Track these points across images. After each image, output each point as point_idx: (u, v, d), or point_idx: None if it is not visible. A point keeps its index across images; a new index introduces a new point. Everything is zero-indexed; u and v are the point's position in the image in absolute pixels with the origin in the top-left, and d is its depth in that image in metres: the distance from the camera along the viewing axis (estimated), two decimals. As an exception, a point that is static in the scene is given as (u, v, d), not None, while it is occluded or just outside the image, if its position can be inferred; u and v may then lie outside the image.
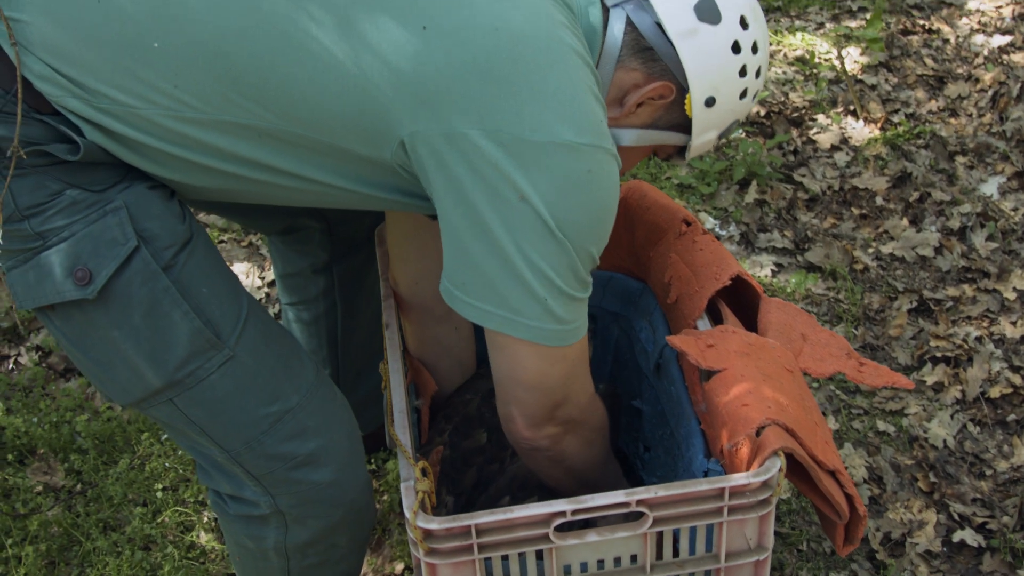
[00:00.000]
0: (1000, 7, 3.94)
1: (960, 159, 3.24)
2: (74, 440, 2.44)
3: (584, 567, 1.44)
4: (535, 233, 1.30)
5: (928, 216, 3.03)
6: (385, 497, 2.28)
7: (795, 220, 3.06)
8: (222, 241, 3.06)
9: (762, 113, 3.44)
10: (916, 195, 3.08)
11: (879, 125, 3.38)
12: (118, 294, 1.38)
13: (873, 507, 2.22)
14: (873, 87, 3.57)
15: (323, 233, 1.98)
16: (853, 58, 3.70)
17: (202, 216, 3.06)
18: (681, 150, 1.56)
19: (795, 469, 1.48)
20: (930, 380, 2.50)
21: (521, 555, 1.40)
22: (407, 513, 1.37)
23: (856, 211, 3.07)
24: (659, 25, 1.44)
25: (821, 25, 3.93)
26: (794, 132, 3.38)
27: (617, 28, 1.45)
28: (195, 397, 1.46)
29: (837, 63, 3.60)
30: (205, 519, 2.25)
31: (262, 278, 2.94)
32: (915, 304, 2.73)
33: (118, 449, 2.42)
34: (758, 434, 1.43)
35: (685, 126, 1.51)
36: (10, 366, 2.71)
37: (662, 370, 1.79)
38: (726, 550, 1.45)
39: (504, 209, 1.29)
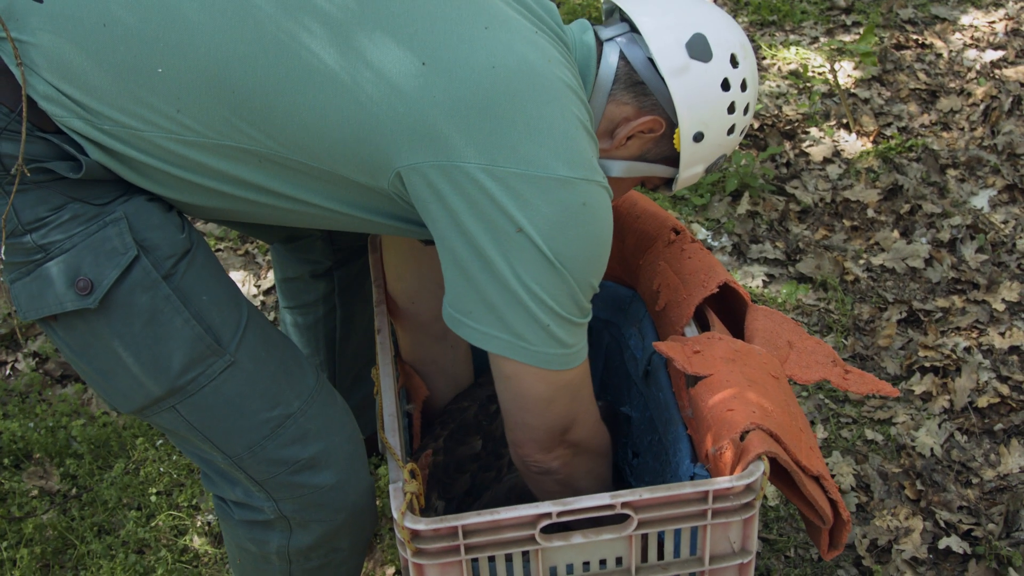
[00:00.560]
0: (993, 23, 3.97)
1: (951, 172, 3.26)
2: (70, 445, 2.46)
3: (570, 569, 1.46)
4: (534, 264, 1.35)
5: (919, 228, 3.05)
6: (377, 502, 2.30)
7: (787, 231, 3.08)
8: (219, 250, 3.09)
9: (755, 126, 3.47)
10: (907, 207, 3.11)
11: (871, 138, 3.41)
12: (119, 303, 1.41)
13: (860, 514, 2.24)
14: (866, 101, 3.60)
15: (324, 241, 2.01)
16: (846, 72, 3.74)
17: (199, 225, 3.09)
18: (668, 182, 1.60)
19: (780, 474, 1.50)
20: (918, 390, 2.52)
21: (508, 556, 1.42)
22: (395, 514, 1.39)
23: (847, 223, 3.10)
24: (651, 60, 1.48)
25: (815, 39, 3.96)
26: (787, 145, 3.41)
27: (610, 62, 1.50)
28: (197, 403, 1.48)
29: (830, 77, 3.63)
30: (198, 523, 2.27)
31: (258, 286, 2.96)
32: (905, 315, 2.75)
33: (113, 454, 2.44)
34: (742, 438, 1.45)
35: (673, 159, 1.55)
36: (7, 372, 2.73)
37: (650, 376, 1.81)
38: (710, 553, 1.47)
39: (503, 241, 1.33)
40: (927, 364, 2.58)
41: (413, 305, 1.81)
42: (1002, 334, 2.67)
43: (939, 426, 2.43)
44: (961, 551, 2.14)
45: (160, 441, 2.46)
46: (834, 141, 3.41)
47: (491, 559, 1.42)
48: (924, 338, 2.67)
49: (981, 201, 3.15)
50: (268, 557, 1.65)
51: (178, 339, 1.43)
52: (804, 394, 2.53)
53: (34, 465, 2.44)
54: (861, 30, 3.83)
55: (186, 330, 1.43)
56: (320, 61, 1.31)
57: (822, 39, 3.95)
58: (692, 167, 1.57)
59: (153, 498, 2.30)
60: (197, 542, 2.23)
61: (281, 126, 1.33)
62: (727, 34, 1.52)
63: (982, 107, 3.51)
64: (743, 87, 1.52)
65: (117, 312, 1.41)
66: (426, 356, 1.87)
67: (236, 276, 2.97)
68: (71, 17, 1.32)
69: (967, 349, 2.63)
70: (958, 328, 2.71)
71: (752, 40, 3.91)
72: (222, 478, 1.59)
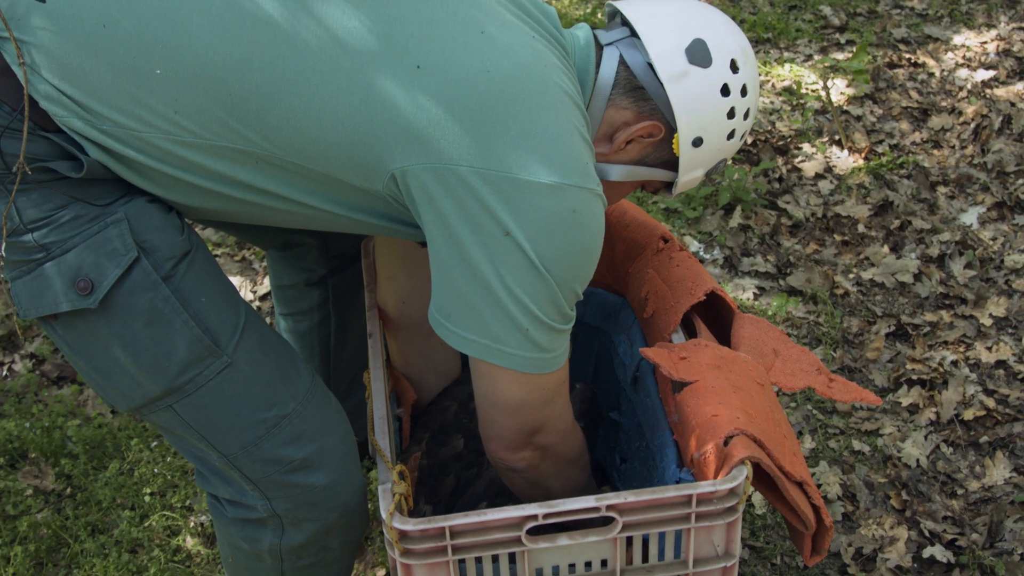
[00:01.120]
0: (984, 43, 4.02)
1: (941, 189, 3.30)
2: (65, 445, 2.49)
3: (556, 570, 1.48)
4: (518, 268, 1.35)
5: (908, 244, 3.09)
6: (369, 505, 2.32)
7: (778, 245, 3.12)
8: (216, 255, 3.12)
9: (749, 141, 3.51)
10: (897, 223, 3.15)
11: (863, 155, 3.45)
12: (119, 304, 1.42)
13: (846, 523, 2.27)
14: (858, 118, 3.64)
15: (319, 249, 2.02)
16: (839, 89, 3.78)
17: (197, 230, 3.12)
18: (668, 185, 1.60)
19: (764, 479, 1.53)
20: (905, 402, 2.55)
21: (494, 557, 1.44)
22: (383, 515, 1.41)
23: (838, 238, 3.13)
24: (651, 66, 1.48)
25: (809, 57, 4.01)
26: (779, 160, 3.45)
27: (610, 66, 1.50)
28: (194, 403, 1.50)
29: (823, 94, 3.67)
30: (192, 524, 2.30)
31: (254, 292, 2.99)
32: (893, 328, 2.79)
33: (108, 455, 2.47)
34: (726, 443, 1.47)
35: (673, 163, 1.55)
36: (4, 373, 2.76)
37: (639, 383, 1.84)
38: (694, 556, 1.49)
39: (489, 243, 1.34)
40: (914, 377, 2.62)
41: (404, 304, 1.82)
42: (989, 348, 2.71)
43: (925, 438, 2.46)
44: (945, 560, 2.16)
45: (155, 443, 2.48)
46: (826, 157, 3.45)
47: (478, 560, 1.44)
48: (912, 351, 2.71)
49: (970, 218, 3.18)
50: (260, 555, 1.67)
51: (177, 340, 1.45)
52: (792, 404, 2.56)
53: (29, 464, 2.46)
54: (854, 48, 3.88)
55: (185, 331, 1.45)
56: (316, 65, 1.32)
57: (816, 57, 4.00)
58: (692, 171, 1.57)
59: (147, 498, 2.33)
60: (190, 542, 2.25)
61: (277, 128, 1.34)
62: (728, 39, 1.52)
63: (972, 126, 3.55)
64: (743, 92, 1.52)
65: (117, 312, 1.42)
66: (417, 354, 1.88)
67: (233, 282, 2.99)
68: (72, 17, 1.33)
69: (954, 363, 2.66)
70: (945, 342, 2.74)
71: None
72: (216, 476, 1.61)
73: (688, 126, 1.50)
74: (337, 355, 2.18)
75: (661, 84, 1.48)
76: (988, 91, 3.73)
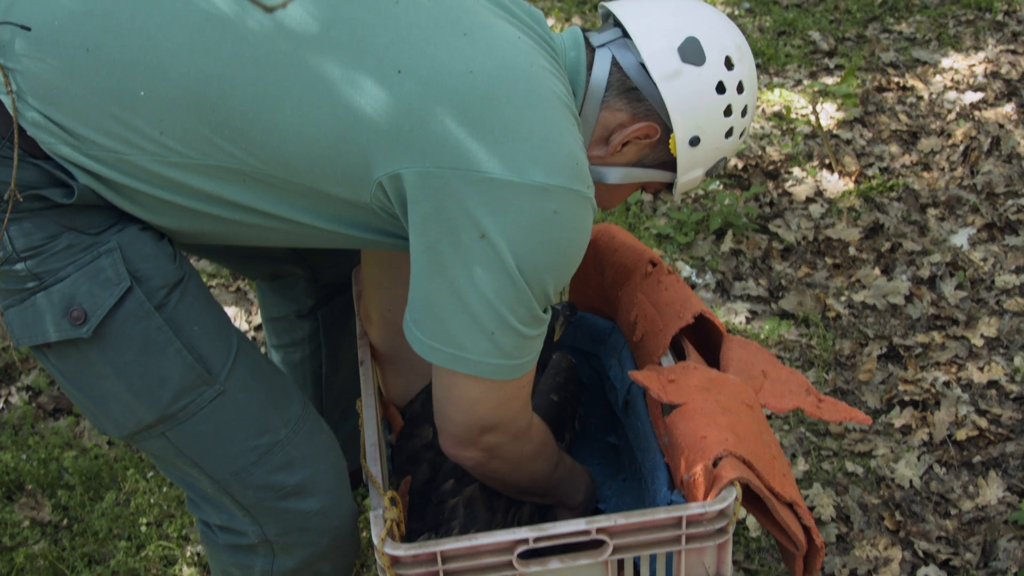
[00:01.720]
0: (972, 65, 4.05)
1: (932, 211, 3.33)
2: (61, 476, 2.50)
3: (547, 593, 1.49)
4: (491, 270, 1.33)
5: (899, 266, 3.11)
6: (364, 534, 2.33)
7: (770, 269, 3.14)
8: (211, 286, 3.14)
9: (739, 166, 3.54)
10: (888, 245, 3.17)
11: (853, 178, 3.48)
12: (113, 333, 1.42)
13: (840, 544, 2.27)
14: (848, 142, 3.67)
15: (308, 280, 2.03)
16: (829, 114, 3.81)
17: (191, 261, 3.14)
18: (669, 186, 1.58)
19: (754, 501, 1.54)
20: (898, 423, 2.56)
21: (486, 581, 1.46)
22: (375, 540, 1.42)
23: (829, 260, 3.15)
24: (643, 66, 1.47)
25: (798, 82, 4.05)
26: (770, 184, 3.48)
27: (602, 68, 1.48)
28: (187, 430, 1.50)
29: (813, 118, 3.71)
30: (188, 553, 2.30)
31: (249, 322, 3.01)
32: (885, 350, 2.80)
33: (104, 485, 2.47)
34: (715, 465, 1.49)
35: (671, 164, 1.53)
36: (1, 405, 2.77)
37: (630, 406, 1.85)
38: (685, 577, 1.50)
39: (462, 246, 1.33)
40: (907, 398, 2.63)
41: (389, 312, 1.79)
42: (980, 369, 2.72)
43: (918, 458, 2.47)
44: (938, 581, 2.17)
45: (151, 473, 2.49)
46: (816, 181, 3.48)
47: (470, 585, 1.45)
48: (904, 373, 2.72)
49: (961, 239, 3.20)
50: None
51: (170, 368, 1.45)
52: (786, 427, 2.57)
53: (26, 496, 2.47)
54: (843, 73, 3.91)
55: (178, 360, 1.46)
56: (296, 77, 1.32)
57: (805, 82, 4.03)
58: (691, 171, 1.55)
59: (143, 528, 2.33)
60: (186, 572, 2.26)
61: (261, 143, 1.34)
62: (722, 36, 1.50)
63: (962, 148, 3.58)
64: (739, 89, 1.50)
65: (110, 341, 1.43)
66: (404, 362, 1.85)
67: (228, 312, 3.01)
68: (56, 43, 1.33)
69: (946, 383, 2.68)
70: (937, 363, 2.75)
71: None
72: (207, 502, 1.62)
73: (684, 126, 1.48)
74: (329, 385, 2.19)
75: (655, 84, 1.46)
76: (977, 113, 3.76)
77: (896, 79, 4.01)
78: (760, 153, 3.61)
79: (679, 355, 1.76)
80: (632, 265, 1.86)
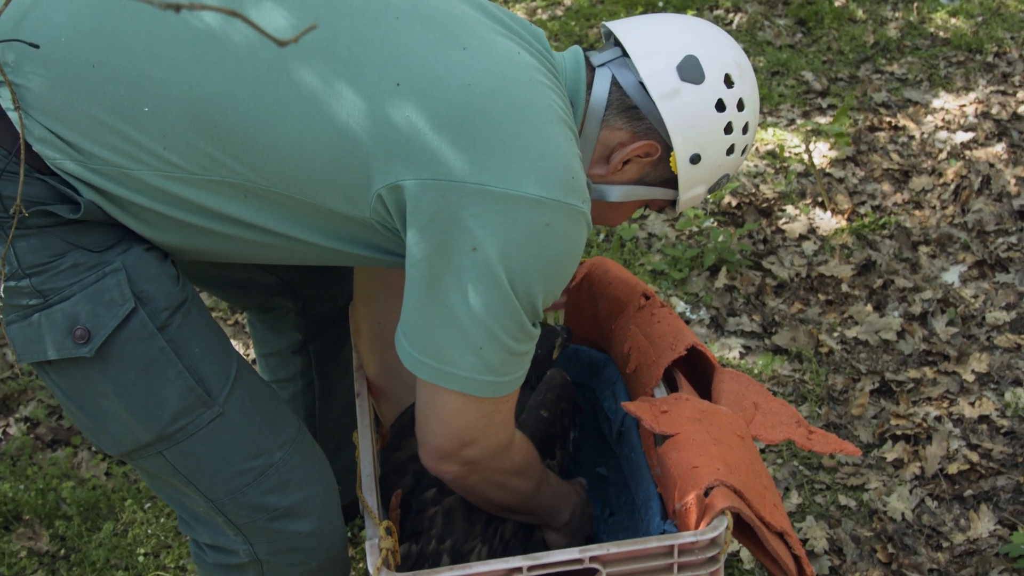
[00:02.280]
0: (963, 106, 4.11)
1: (923, 248, 3.37)
2: (59, 507, 2.51)
3: (542, 622, 1.51)
4: (482, 282, 1.34)
5: (891, 302, 3.14)
6: (361, 565, 2.34)
7: (763, 305, 3.17)
8: (210, 319, 3.16)
9: (733, 204, 3.58)
10: (880, 282, 3.21)
11: (846, 216, 3.52)
12: (115, 353, 1.44)
13: (832, 578, 2.29)
14: (841, 180, 3.72)
15: (298, 314, 2.04)
16: (822, 152, 3.86)
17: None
18: (672, 203, 1.59)
19: (746, 531, 1.56)
20: (890, 457, 2.59)
21: (481, 609, 1.47)
22: (371, 570, 1.43)
23: (822, 297, 3.19)
24: (643, 84, 1.48)
25: (792, 121, 4.10)
26: (764, 222, 3.52)
27: (602, 87, 1.49)
28: (184, 450, 1.52)
29: (806, 157, 3.76)
30: (184, 584, 2.31)
31: (247, 355, 3.03)
32: (877, 385, 2.83)
33: (102, 516, 2.49)
34: (707, 494, 1.51)
35: (673, 181, 1.54)
36: (-1, 436, 2.79)
37: (623, 437, 1.87)
38: (678, 606, 1.52)
39: (454, 258, 1.34)
40: (899, 432, 2.65)
41: (380, 326, 1.79)
42: (972, 404, 2.75)
43: (910, 492, 2.49)
44: (930, 614, 2.19)
45: (148, 504, 2.50)
46: (809, 219, 3.52)
47: (465, 612, 1.47)
48: (896, 407, 2.75)
49: (952, 276, 3.24)
50: None
51: (170, 389, 1.47)
52: (779, 461, 2.59)
53: (24, 526, 2.48)
54: (836, 112, 3.97)
55: (179, 381, 1.48)
56: (296, 92, 1.34)
57: (798, 121, 4.09)
58: (693, 188, 1.55)
59: (141, 559, 2.35)
60: (182, 603, 2.27)
61: (263, 158, 1.36)
62: (721, 54, 1.51)
63: (953, 186, 3.62)
64: (740, 107, 1.51)
65: (112, 361, 1.44)
66: (396, 377, 1.84)
67: (226, 345, 3.04)
68: (63, 60, 1.35)
69: (938, 418, 2.70)
70: (929, 398, 2.78)
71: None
72: (198, 522, 1.64)
73: (684, 144, 1.49)
74: (322, 420, 2.21)
75: (654, 103, 1.47)
76: (967, 152, 3.81)
77: (888, 119, 4.07)
78: (754, 191, 3.66)
79: (672, 387, 1.79)
80: (626, 298, 1.89)
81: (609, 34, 1.58)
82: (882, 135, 3.98)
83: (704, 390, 1.79)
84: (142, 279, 1.45)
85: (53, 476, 2.58)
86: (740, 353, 2.97)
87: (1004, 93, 4.19)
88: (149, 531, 2.42)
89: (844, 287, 3.21)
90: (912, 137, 3.96)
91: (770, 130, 4.01)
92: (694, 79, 1.48)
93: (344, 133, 1.34)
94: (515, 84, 1.38)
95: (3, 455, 2.68)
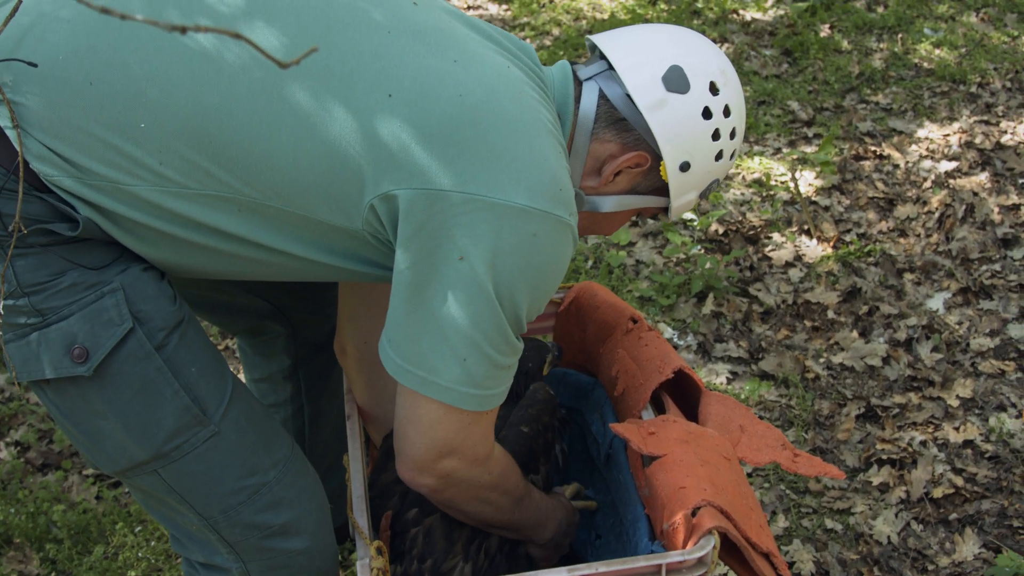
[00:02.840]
0: (947, 135, 4.17)
1: (908, 276, 3.41)
2: (50, 530, 2.51)
3: (530, 643, 1.52)
4: (468, 292, 1.36)
5: (877, 328, 3.18)
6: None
7: (750, 331, 3.20)
8: (201, 344, 3.17)
9: (720, 231, 3.62)
10: (865, 309, 3.24)
11: (831, 244, 3.56)
12: (112, 372, 1.45)
13: (819, 601, 2.31)
14: (826, 208, 3.76)
15: (288, 339, 2.06)
16: (807, 181, 3.91)
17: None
18: (666, 210, 1.62)
19: (732, 551, 1.58)
20: (876, 481, 2.61)
21: (470, 628, 1.49)
22: (362, 591, 1.46)
23: (808, 323, 3.22)
24: (629, 96, 1.51)
25: (778, 150, 4.15)
26: (750, 249, 3.56)
27: (590, 100, 1.52)
28: (179, 469, 1.53)
29: (792, 185, 3.80)
30: (174, 607, 2.32)
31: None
32: (863, 410, 2.86)
33: (92, 539, 2.49)
34: (694, 514, 1.53)
35: (664, 190, 1.57)
36: (-10, 461, 2.79)
37: (611, 459, 1.89)
38: (665, 625, 1.53)
39: (440, 267, 1.36)
40: (884, 457, 2.68)
41: (365, 345, 1.80)
42: (956, 429, 2.78)
43: (896, 515, 2.52)
44: (915, 636, 2.20)
45: (139, 527, 2.51)
46: (795, 246, 3.56)
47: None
48: (882, 432, 2.77)
49: (936, 303, 3.28)
50: None
51: (167, 408, 1.49)
52: (766, 485, 2.61)
53: (14, 550, 2.48)
54: (821, 141, 4.02)
55: (175, 400, 1.49)
56: (289, 106, 1.36)
57: (784, 150, 4.14)
58: (684, 195, 1.58)
59: (130, 583, 2.35)
60: (172, 626, 2.27)
61: (256, 172, 1.37)
62: (705, 62, 1.53)
63: (937, 215, 3.67)
64: (726, 113, 1.53)
65: (109, 380, 1.46)
66: (382, 392, 1.84)
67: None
68: (61, 78, 1.37)
69: (923, 443, 2.73)
70: (914, 423, 2.81)
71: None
72: (191, 540, 1.65)
73: (673, 153, 1.52)
74: (312, 444, 2.22)
75: (641, 114, 1.50)
76: (951, 181, 3.86)
77: (873, 148, 4.12)
78: (740, 219, 3.70)
79: (659, 409, 1.81)
80: (613, 322, 1.91)
81: (594, 47, 1.60)
82: (867, 164, 4.03)
83: (691, 413, 1.82)
84: (140, 299, 1.46)
85: (44, 500, 2.58)
86: (727, 379, 3.00)
87: (987, 123, 4.25)
88: (140, 554, 2.43)
89: (830, 313, 3.25)
90: (897, 166, 4.01)
91: (756, 159, 4.06)
92: (680, 89, 1.50)
93: (337, 145, 1.36)
94: (504, 97, 1.40)
95: (-7, 479, 2.69)
